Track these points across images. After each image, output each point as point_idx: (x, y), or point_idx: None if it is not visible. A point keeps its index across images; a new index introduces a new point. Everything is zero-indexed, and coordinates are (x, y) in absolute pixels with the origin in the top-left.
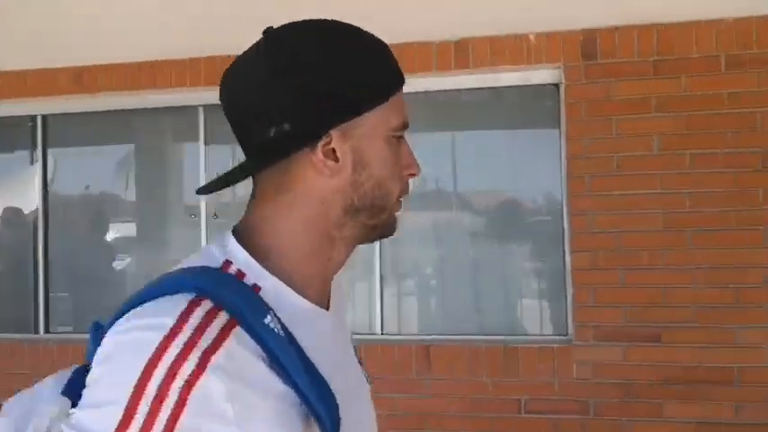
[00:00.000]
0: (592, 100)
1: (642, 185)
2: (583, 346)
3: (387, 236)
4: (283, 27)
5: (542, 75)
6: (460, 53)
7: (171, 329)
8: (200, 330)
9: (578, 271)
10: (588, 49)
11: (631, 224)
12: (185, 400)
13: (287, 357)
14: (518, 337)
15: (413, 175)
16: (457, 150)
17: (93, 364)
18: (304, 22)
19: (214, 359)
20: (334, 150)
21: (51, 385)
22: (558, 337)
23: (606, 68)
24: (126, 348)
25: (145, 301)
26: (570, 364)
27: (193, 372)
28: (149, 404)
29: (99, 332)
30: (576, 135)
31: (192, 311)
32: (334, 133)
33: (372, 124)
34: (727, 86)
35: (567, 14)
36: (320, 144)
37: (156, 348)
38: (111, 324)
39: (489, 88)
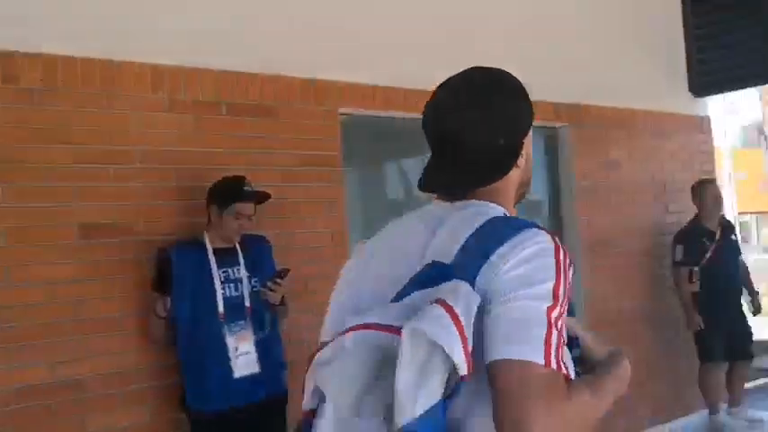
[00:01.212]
0: None
1: None
2: None
3: (522, 200)
4: (487, 68)
5: None
6: None
7: (555, 243)
8: (562, 244)
9: None
10: None
11: None
12: (568, 279)
13: None
14: None
15: None
16: None
17: (516, 264)
18: (493, 69)
19: (570, 259)
20: (522, 153)
21: (466, 287)
22: None
23: None
24: (543, 251)
25: (514, 234)
26: None
27: (568, 264)
28: (563, 278)
29: (440, 268)
30: None
31: (553, 235)
32: (525, 141)
33: (529, 136)
34: None
35: None
36: (523, 148)
37: (555, 251)
38: (487, 247)
39: None
